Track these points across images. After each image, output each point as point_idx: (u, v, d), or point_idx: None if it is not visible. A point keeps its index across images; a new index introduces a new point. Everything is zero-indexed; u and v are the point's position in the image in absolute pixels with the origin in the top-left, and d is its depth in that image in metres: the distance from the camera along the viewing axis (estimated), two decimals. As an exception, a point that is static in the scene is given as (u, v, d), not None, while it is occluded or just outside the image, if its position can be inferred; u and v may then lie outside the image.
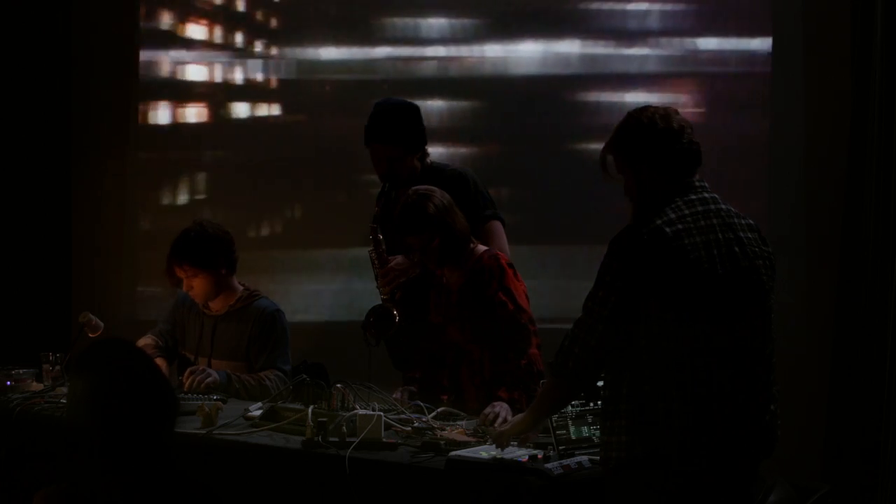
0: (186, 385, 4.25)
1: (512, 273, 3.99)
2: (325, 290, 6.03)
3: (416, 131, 4.47)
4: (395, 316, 4.32)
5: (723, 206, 3.11)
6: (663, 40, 5.67)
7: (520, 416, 3.36)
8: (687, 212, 3.03)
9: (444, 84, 5.84)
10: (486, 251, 4.05)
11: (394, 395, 3.94)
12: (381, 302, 4.40)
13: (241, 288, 4.62)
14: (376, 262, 4.45)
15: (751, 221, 3.15)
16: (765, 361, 3.12)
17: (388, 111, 4.48)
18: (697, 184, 3.11)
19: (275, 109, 6.19)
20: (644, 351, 3.01)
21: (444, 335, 4.11)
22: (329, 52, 6.00)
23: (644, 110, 3.14)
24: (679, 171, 3.09)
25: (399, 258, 4.40)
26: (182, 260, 4.47)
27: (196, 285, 4.50)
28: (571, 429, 3.43)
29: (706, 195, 3.10)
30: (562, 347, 3.12)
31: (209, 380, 4.27)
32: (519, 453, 3.27)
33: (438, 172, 4.44)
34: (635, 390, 3.03)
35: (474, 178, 4.46)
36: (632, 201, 3.15)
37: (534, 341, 3.91)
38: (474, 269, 4.00)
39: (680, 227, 3.00)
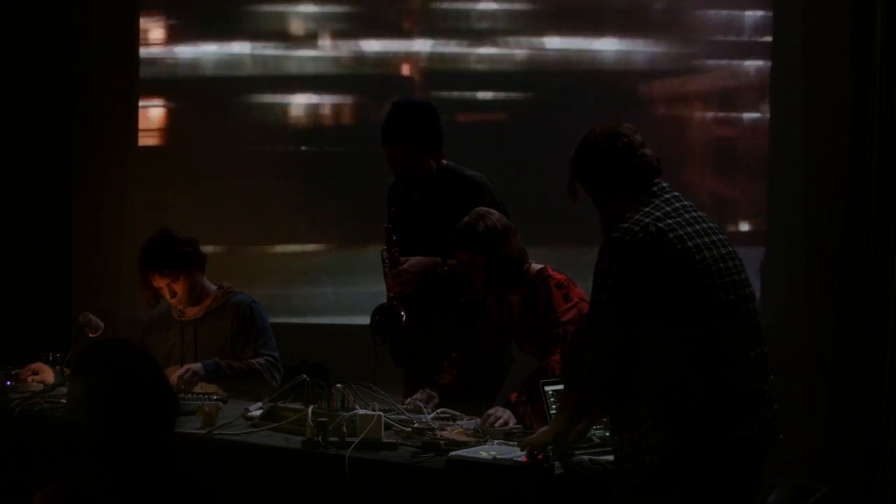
0: (175, 388, 4.18)
1: (560, 295, 3.94)
2: (325, 291, 6.03)
3: (432, 132, 4.39)
4: (402, 316, 4.30)
5: (690, 202, 3.25)
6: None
7: (544, 428, 3.31)
8: (668, 209, 3.17)
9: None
10: (537, 272, 4.01)
11: (414, 398, 3.96)
12: (386, 301, 4.37)
13: (214, 287, 4.59)
14: (387, 261, 4.39)
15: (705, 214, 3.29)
16: (763, 343, 3.18)
17: (403, 111, 4.41)
18: (664, 184, 3.25)
19: (274, 107, 6.19)
20: (660, 347, 3.04)
21: (521, 349, 4.16)
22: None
23: (591, 133, 3.25)
24: (644, 179, 3.22)
25: (413, 260, 4.36)
26: (162, 266, 4.43)
27: (179, 290, 4.47)
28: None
29: (676, 193, 3.24)
30: (573, 357, 3.14)
31: (189, 375, 4.24)
32: (519, 453, 3.26)
33: (454, 175, 4.39)
34: (662, 388, 3.03)
35: (490, 186, 4.40)
36: (604, 216, 3.25)
37: (559, 350, 3.83)
38: (529, 293, 4.00)
39: (669, 221, 3.12)
